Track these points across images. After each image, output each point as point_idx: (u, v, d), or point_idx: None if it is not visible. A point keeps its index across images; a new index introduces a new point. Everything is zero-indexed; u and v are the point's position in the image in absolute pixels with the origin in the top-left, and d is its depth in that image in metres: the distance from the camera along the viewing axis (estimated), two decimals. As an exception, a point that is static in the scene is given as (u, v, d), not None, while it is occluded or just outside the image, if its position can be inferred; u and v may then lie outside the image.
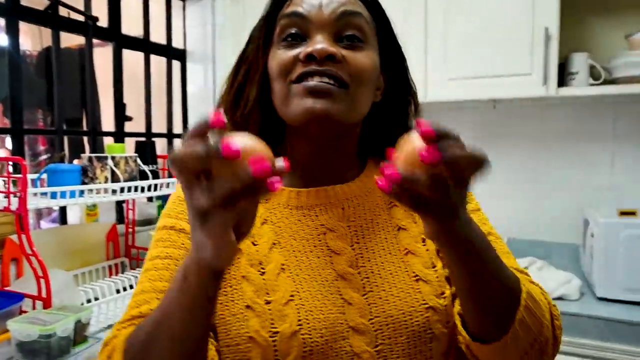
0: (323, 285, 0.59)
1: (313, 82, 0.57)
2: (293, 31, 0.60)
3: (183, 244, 0.61)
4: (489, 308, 0.52)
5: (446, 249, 0.49)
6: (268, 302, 0.57)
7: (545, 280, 1.47)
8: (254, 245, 0.61)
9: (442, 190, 0.42)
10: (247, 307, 0.57)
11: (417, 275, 0.60)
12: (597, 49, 1.77)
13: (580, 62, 1.66)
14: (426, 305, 0.58)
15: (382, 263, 0.61)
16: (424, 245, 0.63)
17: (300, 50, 0.58)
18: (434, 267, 0.62)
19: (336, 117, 0.57)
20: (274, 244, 0.61)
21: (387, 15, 0.67)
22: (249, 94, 0.63)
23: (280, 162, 0.41)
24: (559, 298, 1.41)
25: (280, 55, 0.60)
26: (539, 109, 1.90)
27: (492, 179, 1.98)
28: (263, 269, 0.59)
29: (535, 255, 1.73)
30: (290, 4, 0.62)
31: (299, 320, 0.55)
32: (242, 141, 0.40)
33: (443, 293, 0.60)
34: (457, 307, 0.58)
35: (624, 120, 1.78)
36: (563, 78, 1.68)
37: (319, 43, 0.57)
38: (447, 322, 0.59)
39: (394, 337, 0.57)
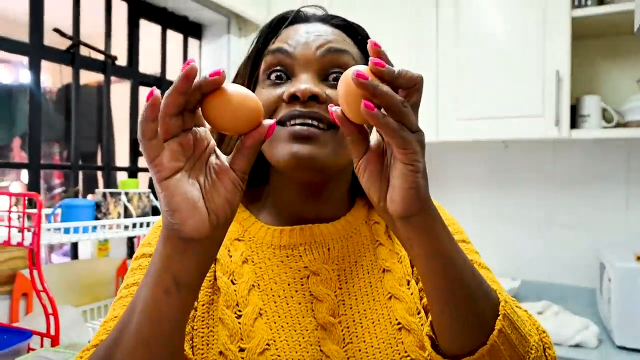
0: (302, 335, 0.55)
1: (297, 126, 0.55)
2: (278, 69, 0.59)
3: None
4: (465, 313, 0.48)
5: (422, 232, 0.45)
6: (242, 350, 0.53)
7: (562, 326, 1.43)
8: (233, 284, 0.58)
9: (401, 100, 0.42)
10: (220, 353, 0.53)
11: (400, 324, 0.57)
12: (609, 92, 1.78)
13: (592, 105, 1.67)
14: (408, 359, 0.55)
15: (365, 311, 0.58)
16: (409, 288, 0.60)
17: (285, 90, 0.57)
18: (418, 313, 0.59)
19: (322, 162, 0.55)
20: (254, 285, 0.58)
21: None
22: None
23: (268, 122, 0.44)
24: (576, 345, 1.37)
25: (264, 94, 0.58)
26: (550, 150, 1.90)
27: (504, 220, 1.96)
28: (240, 311, 0.56)
29: (549, 299, 1.69)
30: (276, 41, 0.61)
31: None
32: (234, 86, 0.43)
33: None
34: (426, 329, 0.55)
35: (637, 163, 1.77)
36: (574, 120, 1.69)
37: (303, 83, 0.56)
38: None
39: None
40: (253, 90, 0.62)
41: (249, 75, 0.63)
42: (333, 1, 1.81)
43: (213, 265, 0.59)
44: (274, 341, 0.54)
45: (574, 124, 1.69)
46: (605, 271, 1.50)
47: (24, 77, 1.63)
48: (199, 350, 0.54)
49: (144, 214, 1.46)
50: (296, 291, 0.58)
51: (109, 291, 1.55)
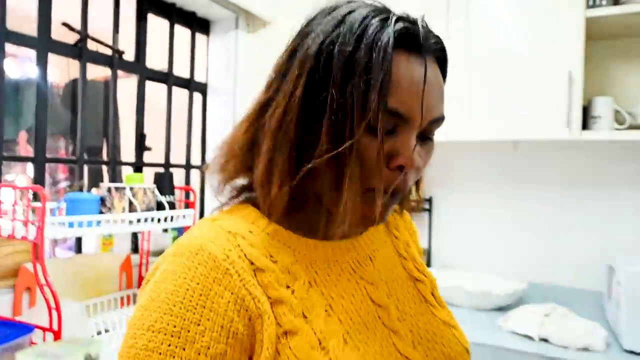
0: (382, 347, 0.55)
1: (392, 200, 0.54)
2: (388, 128, 0.51)
3: None
4: None
5: None
6: None
7: (569, 329, 1.41)
8: (306, 319, 0.51)
9: None
10: None
11: (446, 323, 0.63)
12: (621, 93, 1.75)
13: (604, 106, 1.65)
14: (465, 349, 0.62)
15: (415, 314, 0.61)
16: (434, 297, 0.66)
17: (387, 145, 0.51)
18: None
19: None
20: (327, 310, 0.53)
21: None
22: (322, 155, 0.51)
23: None
24: (584, 349, 1.35)
25: (370, 147, 0.50)
26: (560, 151, 1.88)
27: (513, 221, 1.93)
28: (324, 348, 0.50)
29: (556, 301, 1.67)
30: (394, 94, 0.50)
31: None
32: None
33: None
34: None
35: (649, 165, 1.75)
36: (586, 121, 1.67)
37: (410, 150, 0.51)
38: None
39: None
40: (350, 132, 0.49)
41: (350, 116, 0.49)
42: None
43: (267, 317, 0.49)
44: (369, 357, 0.53)
45: (585, 125, 1.66)
46: (614, 275, 1.48)
47: (31, 71, 1.63)
48: None
49: (149, 209, 1.45)
50: (362, 302, 0.58)
51: (112, 286, 1.55)
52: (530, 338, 1.43)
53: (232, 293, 0.48)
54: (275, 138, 0.52)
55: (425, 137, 0.55)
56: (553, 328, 1.42)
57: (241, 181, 0.60)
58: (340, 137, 0.49)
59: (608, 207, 1.80)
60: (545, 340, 1.41)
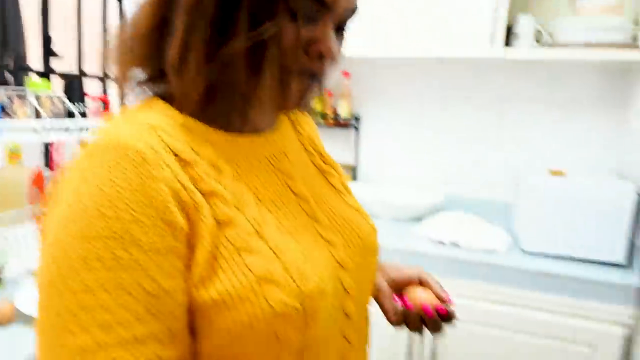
0: (309, 234, 0.56)
1: (310, 88, 0.54)
2: (309, 14, 0.50)
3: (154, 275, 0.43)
4: None
5: None
6: (285, 269, 0.49)
7: (477, 233, 1.52)
8: (239, 210, 0.50)
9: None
10: (262, 279, 0.48)
11: (356, 208, 0.67)
12: (543, 12, 1.79)
13: (525, 25, 1.68)
14: (373, 228, 0.66)
15: (329, 203, 0.63)
16: (343, 186, 0.70)
17: (307, 32, 0.51)
18: None
19: None
20: (256, 203, 0.53)
21: None
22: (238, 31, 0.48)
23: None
24: (489, 251, 1.47)
25: (289, 34, 0.50)
26: (483, 69, 1.93)
27: (433, 137, 1.99)
28: (260, 235, 0.50)
29: (469, 211, 1.79)
30: None
31: (317, 274, 0.51)
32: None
33: None
34: None
35: (562, 84, 1.83)
36: (509, 40, 1.70)
37: (331, 41, 0.51)
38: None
39: (365, 265, 0.62)
40: (271, 15, 0.48)
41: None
42: None
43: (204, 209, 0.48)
44: (299, 244, 0.53)
45: (508, 44, 1.70)
46: (520, 185, 1.59)
47: None
48: (232, 286, 0.46)
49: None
50: (286, 197, 0.58)
51: (22, 200, 1.47)
52: (442, 243, 1.53)
53: (168, 186, 0.44)
54: (192, 16, 0.48)
55: (339, 28, 0.54)
56: (463, 234, 1.53)
57: (144, 75, 0.56)
58: (261, 21, 0.47)
59: (522, 123, 1.90)
60: (456, 245, 1.52)
